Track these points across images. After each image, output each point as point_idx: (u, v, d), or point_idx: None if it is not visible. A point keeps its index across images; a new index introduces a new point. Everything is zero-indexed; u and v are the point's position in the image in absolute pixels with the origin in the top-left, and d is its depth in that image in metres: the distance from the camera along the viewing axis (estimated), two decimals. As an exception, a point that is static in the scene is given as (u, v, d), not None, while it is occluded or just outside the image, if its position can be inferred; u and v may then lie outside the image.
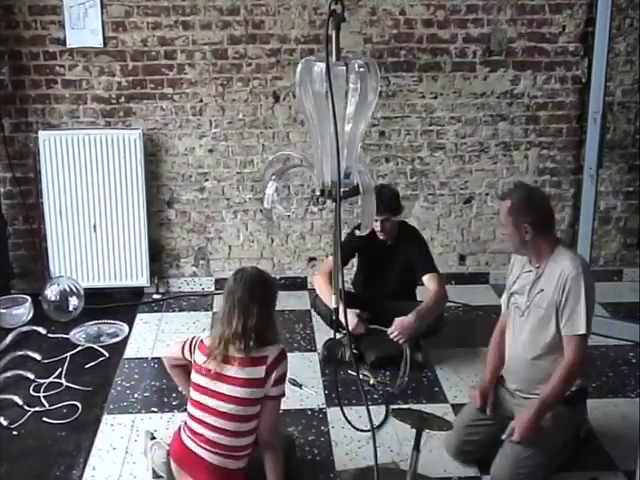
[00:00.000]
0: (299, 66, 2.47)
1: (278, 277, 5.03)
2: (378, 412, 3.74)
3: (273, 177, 2.73)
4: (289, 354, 3.06)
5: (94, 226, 4.93)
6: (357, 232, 3.56)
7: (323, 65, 2.35)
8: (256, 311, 2.92)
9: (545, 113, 5.07)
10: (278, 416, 3.12)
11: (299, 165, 2.84)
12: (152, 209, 5.03)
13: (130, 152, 4.84)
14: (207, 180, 5.05)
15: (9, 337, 4.42)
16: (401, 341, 3.99)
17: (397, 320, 4.00)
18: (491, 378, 3.43)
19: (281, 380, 2.98)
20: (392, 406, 3.80)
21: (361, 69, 2.41)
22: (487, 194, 5.17)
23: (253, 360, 2.92)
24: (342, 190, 2.47)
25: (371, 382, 4.02)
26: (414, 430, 3.12)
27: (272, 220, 2.94)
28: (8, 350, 4.30)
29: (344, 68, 2.39)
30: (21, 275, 5.10)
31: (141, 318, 4.86)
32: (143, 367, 4.26)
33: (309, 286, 5.09)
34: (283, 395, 3.05)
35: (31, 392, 3.93)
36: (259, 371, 2.91)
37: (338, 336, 3.88)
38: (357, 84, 2.42)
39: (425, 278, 4.21)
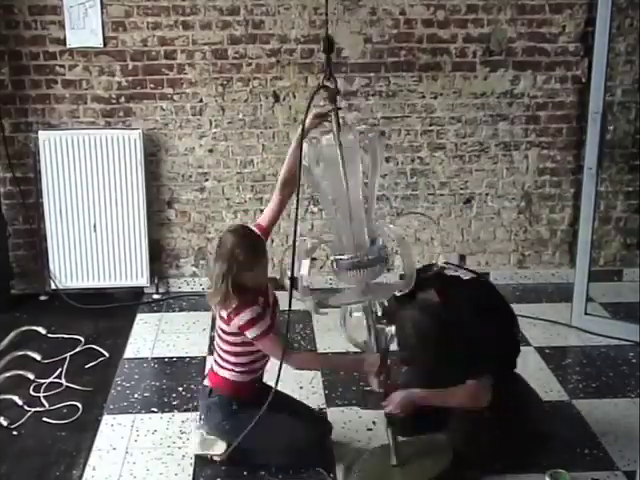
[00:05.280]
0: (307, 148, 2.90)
1: (277, 277, 5.01)
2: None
3: (302, 255, 3.00)
4: (289, 354, 3.10)
5: (94, 226, 4.93)
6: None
7: (317, 144, 2.91)
8: (236, 268, 3.20)
9: (545, 113, 5.07)
10: (275, 344, 3.27)
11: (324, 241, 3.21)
12: (152, 209, 5.03)
13: (130, 152, 4.84)
14: (207, 180, 5.05)
15: (9, 337, 4.42)
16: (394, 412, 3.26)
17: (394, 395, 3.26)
18: None
19: (249, 325, 3.22)
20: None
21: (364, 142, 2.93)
22: (487, 194, 5.17)
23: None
24: (370, 257, 2.95)
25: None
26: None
27: (314, 302, 3.13)
28: (8, 350, 4.30)
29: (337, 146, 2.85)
30: (21, 275, 5.10)
31: (141, 318, 4.86)
32: (143, 367, 4.26)
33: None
34: (263, 335, 3.24)
35: (31, 392, 3.93)
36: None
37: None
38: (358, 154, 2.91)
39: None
